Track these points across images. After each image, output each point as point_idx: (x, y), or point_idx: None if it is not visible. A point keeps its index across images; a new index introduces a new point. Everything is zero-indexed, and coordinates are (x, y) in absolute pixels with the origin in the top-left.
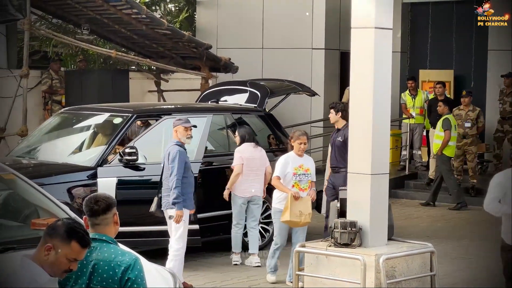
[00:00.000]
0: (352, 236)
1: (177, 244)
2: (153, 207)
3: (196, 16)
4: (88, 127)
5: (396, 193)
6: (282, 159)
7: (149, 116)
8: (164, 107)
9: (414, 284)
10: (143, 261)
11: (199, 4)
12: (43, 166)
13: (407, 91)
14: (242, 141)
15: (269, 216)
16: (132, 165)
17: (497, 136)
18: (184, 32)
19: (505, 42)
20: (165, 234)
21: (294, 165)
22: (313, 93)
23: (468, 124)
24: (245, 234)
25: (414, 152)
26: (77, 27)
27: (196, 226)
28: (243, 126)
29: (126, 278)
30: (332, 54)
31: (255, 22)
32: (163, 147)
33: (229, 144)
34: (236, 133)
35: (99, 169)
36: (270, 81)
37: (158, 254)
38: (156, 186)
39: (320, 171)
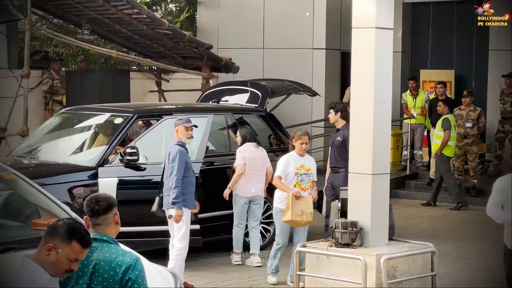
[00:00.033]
0: (353, 236)
1: (179, 243)
2: (154, 207)
3: (197, 16)
4: (89, 127)
5: (397, 193)
6: (283, 159)
7: (150, 116)
8: (165, 107)
9: (415, 284)
10: (144, 261)
11: (200, 4)
12: (44, 166)
13: (408, 91)
14: (244, 141)
15: (270, 216)
16: (133, 165)
17: (498, 136)
18: (185, 32)
19: (506, 42)
20: (166, 234)
21: (296, 164)
22: (314, 93)
23: (469, 124)
24: (246, 234)
25: (415, 152)
26: (78, 27)
27: (197, 226)
28: (244, 126)
29: (127, 278)
30: (333, 54)
31: (256, 22)
32: (164, 147)
33: (230, 144)
34: (238, 133)
35: (100, 169)
36: (271, 81)
37: (159, 254)
38: (157, 186)
39: (321, 171)
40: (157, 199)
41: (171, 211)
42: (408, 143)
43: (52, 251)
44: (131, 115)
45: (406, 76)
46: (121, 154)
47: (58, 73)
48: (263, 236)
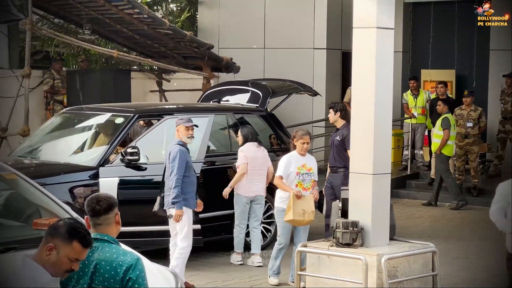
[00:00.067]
0: (354, 236)
1: (182, 242)
2: (156, 207)
3: (198, 16)
4: (90, 127)
5: (398, 193)
6: (284, 159)
7: (151, 116)
8: (166, 107)
9: (416, 284)
10: (145, 261)
11: (201, 4)
12: (45, 166)
13: (409, 91)
14: (245, 140)
15: (271, 216)
16: (134, 165)
17: (500, 137)
18: (186, 32)
19: (506, 42)
20: (166, 234)
21: (297, 164)
22: (314, 93)
23: (470, 124)
24: (246, 234)
25: (416, 152)
26: (79, 27)
27: (198, 226)
28: (245, 125)
29: (128, 278)
30: (334, 54)
31: (257, 22)
32: (165, 147)
33: (230, 144)
34: (239, 132)
35: (101, 169)
36: (272, 81)
37: (160, 254)
38: (158, 186)
39: (321, 171)
40: (158, 198)
41: (171, 211)
42: (409, 143)
43: (53, 251)
44: (132, 115)
45: (407, 76)
46: (122, 154)
47: (59, 73)
48: (264, 236)
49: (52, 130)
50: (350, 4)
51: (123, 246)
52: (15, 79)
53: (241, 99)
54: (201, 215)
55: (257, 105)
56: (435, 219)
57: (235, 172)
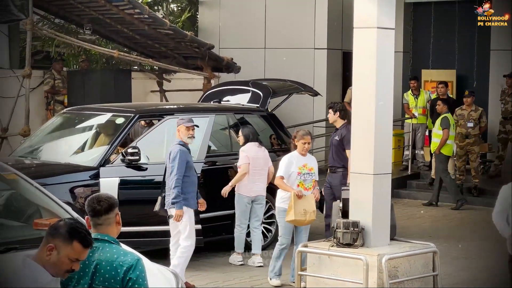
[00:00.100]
0: (355, 236)
1: (184, 242)
2: (157, 206)
3: (198, 16)
4: (90, 127)
5: (399, 193)
6: (285, 159)
7: (151, 116)
8: (167, 107)
9: (417, 284)
10: (145, 261)
11: (201, 4)
12: (46, 166)
13: (410, 91)
14: (247, 140)
15: (271, 216)
16: (135, 165)
17: (501, 137)
18: (187, 32)
19: (507, 42)
20: (167, 234)
21: (298, 164)
22: (315, 93)
23: (470, 124)
24: (247, 234)
25: (416, 152)
26: (79, 27)
27: (199, 226)
28: (246, 125)
29: (128, 278)
30: (335, 54)
31: (258, 22)
32: (166, 147)
33: (231, 144)
34: (240, 132)
35: (101, 169)
36: (272, 81)
37: (161, 254)
38: (159, 186)
39: (322, 171)
40: (159, 198)
41: (172, 211)
42: (410, 143)
43: (53, 251)
44: (132, 115)
45: (407, 76)
46: (122, 154)
47: (59, 73)
48: (264, 236)
49: (53, 130)
50: (351, 4)
51: (123, 246)
52: (15, 79)
53: (241, 99)
54: (201, 215)
55: (258, 105)
56: (436, 219)
57: (235, 172)
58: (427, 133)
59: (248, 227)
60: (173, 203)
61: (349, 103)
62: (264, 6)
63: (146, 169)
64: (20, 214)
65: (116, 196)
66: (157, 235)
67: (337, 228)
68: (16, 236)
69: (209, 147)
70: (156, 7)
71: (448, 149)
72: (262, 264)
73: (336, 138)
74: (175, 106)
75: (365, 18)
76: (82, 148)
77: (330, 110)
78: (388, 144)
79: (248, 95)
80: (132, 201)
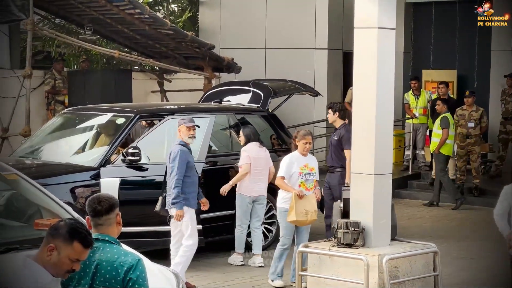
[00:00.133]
0: (355, 236)
1: (186, 241)
2: (157, 206)
3: (199, 16)
4: (91, 128)
5: (399, 193)
6: (286, 159)
7: (152, 117)
8: (167, 107)
9: (417, 284)
10: (146, 261)
11: (202, 4)
12: (46, 166)
13: (410, 91)
14: (248, 140)
15: (272, 216)
16: (135, 165)
17: (501, 137)
18: (187, 32)
19: (508, 42)
20: (168, 234)
21: (300, 164)
22: (316, 93)
23: (471, 124)
24: (248, 235)
25: (417, 152)
26: (80, 27)
27: (199, 226)
28: (247, 126)
29: (128, 278)
30: (335, 54)
31: (258, 22)
32: (166, 147)
33: (232, 144)
34: (241, 132)
35: (102, 169)
36: (273, 81)
37: (161, 255)
38: (159, 186)
39: (322, 172)
40: (160, 198)
41: (172, 211)
42: (411, 143)
43: (54, 251)
44: (133, 115)
45: (408, 76)
46: (123, 154)
47: (60, 73)
48: (265, 236)
49: (53, 131)
50: (351, 4)
51: (124, 246)
52: (16, 79)
53: (242, 100)
54: (202, 216)
55: (258, 106)
56: (437, 219)
57: (236, 172)
58: (428, 133)
59: (249, 227)
60: (173, 204)
61: (350, 103)
62: (264, 6)
63: (147, 169)
64: (21, 214)
65: (116, 197)
66: (158, 235)
67: (337, 228)
68: (17, 236)
69: (210, 147)
70: (156, 7)
71: (448, 148)
72: (262, 264)
73: (335, 138)
74: (176, 106)
75: (365, 18)
76: (82, 148)
77: (329, 110)
78: (388, 144)
79: (249, 95)
80: (133, 201)
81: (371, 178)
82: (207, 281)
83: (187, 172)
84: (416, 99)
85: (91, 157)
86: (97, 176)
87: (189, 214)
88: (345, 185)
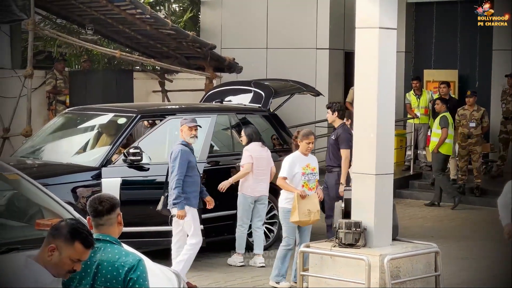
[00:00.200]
0: (357, 237)
1: (190, 240)
2: (159, 206)
3: (200, 16)
4: (92, 128)
5: (401, 193)
6: (289, 159)
7: (153, 117)
8: (169, 107)
9: (419, 284)
10: (147, 261)
11: (203, 4)
12: (47, 166)
13: (412, 91)
14: (250, 140)
15: (273, 216)
16: (137, 165)
17: (502, 137)
18: (188, 32)
19: (509, 42)
20: (169, 234)
21: (302, 164)
22: (317, 93)
23: (472, 124)
24: (249, 235)
25: (418, 152)
26: (81, 27)
27: (201, 226)
28: (249, 125)
29: (129, 278)
30: (337, 54)
31: (259, 22)
32: (167, 147)
33: (233, 144)
34: (243, 132)
35: (103, 169)
36: (274, 81)
37: (162, 255)
38: (160, 186)
39: (322, 172)
40: (162, 198)
41: (174, 211)
42: (412, 143)
43: (55, 251)
44: (134, 115)
45: (409, 76)
46: (124, 154)
47: (61, 73)
48: (266, 236)
49: (55, 131)
50: (353, 4)
51: (125, 246)
52: (17, 79)
53: (243, 99)
54: (203, 216)
55: (260, 105)
56: (438, 219)
57: (238, 172)
58: (429, 133)
59: (250, 227)
60: (174, 204)
61: (351, 103)
62: (266, 6)
63: (148, 169)
64: (22, 215)
65: (118, 197)
66: (159, 235)
67: (339, 229)
68: (18, 237)
69: (211, 147)
70: (158, 7)
71: (447, 148)
72: (264, 265)
73: (332, 137)
74: (177, 106)
75: (367, 18)
76: (84, 148)
77: (329, 110)
78: (390, 144)
79: (250, 95)
80: (134, 201)
81: (372, 178)
82: (208, 281)
83: (188, 172)
84: (418, 99)
85: (92, 157)
86: (98, 176)
87: (191, 213)
88: (341, 184)
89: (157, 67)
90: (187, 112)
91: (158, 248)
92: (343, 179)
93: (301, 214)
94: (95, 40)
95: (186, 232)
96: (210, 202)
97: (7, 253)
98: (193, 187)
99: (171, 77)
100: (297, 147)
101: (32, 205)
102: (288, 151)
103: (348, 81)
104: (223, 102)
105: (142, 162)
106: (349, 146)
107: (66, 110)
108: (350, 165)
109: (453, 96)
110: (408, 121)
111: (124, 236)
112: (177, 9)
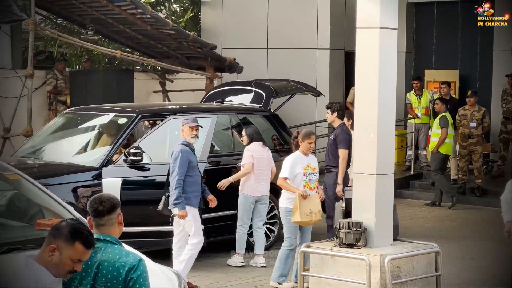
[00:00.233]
0: (357, 237)
1: (192, 239)
2: (160, 206)
3: (201, 16)
4: (93, 128)
5: (401, 193)
6: (290, 160)
7: (154, 117)
8: (169, 107)
9: (419, 285)
10: (148, 261)
11: (204, 4)
12: (48, 166)
13: (413, 91)
14: (251, 140)
15: (274, 216)
16: (137, 166)
17: (502, 137)
18: (189, 32)
19: (509, 42)
20: (170, 234)
21: (303, 165)
22: (318, 93)
23: (473, 124)
24: (249, 235)
25: (419, 152)
26: (81, 27)
27: (202, 226)
28: (250, 125)
29: (129, 278)
30: (337, 54)
31: (260, 22)
32: (168, 147)
33: (234, 144)
34: (243, 132)
35: (104, 169)
36: (275, 81)
37: (163, 255)
38: (161, 186)
39: (323, 172)
40: (163, 198)
41: (174, 211)
42: (413, 143)
43: (55, 251)
44: (135, 115)
45: (410, 76)
46: (125, 155)
47: (62, 73)
48: (267, 236)
49: (55, 131)
50: (353, 4)
51: (126, 246)
52: (18, 79)
53: (244, 99)
54: (204, 216)
55: (260, 105)
56: (439, 219)
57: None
58: (429, 133)
59: (250, 227)
60: (175, 204)
61: (352, 103)
62: (266, 6)
63: (149, 169)
64: (23, 215)
65: (118, 197)
66: (160, 235)
67: (339, 229)
68: (18, 237)
69: (212, 147)
70: (158, 7)
71: (447, 148)
72: (264, 265)
73: (331, 137)
74: (178, 107)
75: (367, 18)
76: (84, 149)
77: (328, 110)
78: (390, 144)
79: (251, 95)
80: (135, 201)
81: (373, 178)
82: (209, 281)
83: (189, 172)
84: (418, 99)
85: (93, 157)
86: (99, 176)
87: (192, 213)
88: (338, 184)
89: (157, 67)
90: (188, 112)
91: (159, 248)
92: (340, 179)
93: (303, 214)
94: (95, 40)
95: (187, 232)
96: (212, 201)
97: (8, 253)
98: (194, 187)
99: (171, 77)
100: (297, 147)
101: (32, 205)
102: (289, 151)
103: (348, 81)
104: (224, 102)
105: (142, 162)
106: (347, 146)
107: (67, 110)
108: (348, 166)
109: (454, 96)
110: (408, 121)
111: (125, 236)
112: (178, 9)
